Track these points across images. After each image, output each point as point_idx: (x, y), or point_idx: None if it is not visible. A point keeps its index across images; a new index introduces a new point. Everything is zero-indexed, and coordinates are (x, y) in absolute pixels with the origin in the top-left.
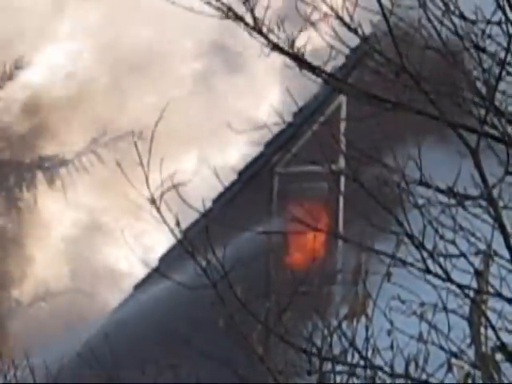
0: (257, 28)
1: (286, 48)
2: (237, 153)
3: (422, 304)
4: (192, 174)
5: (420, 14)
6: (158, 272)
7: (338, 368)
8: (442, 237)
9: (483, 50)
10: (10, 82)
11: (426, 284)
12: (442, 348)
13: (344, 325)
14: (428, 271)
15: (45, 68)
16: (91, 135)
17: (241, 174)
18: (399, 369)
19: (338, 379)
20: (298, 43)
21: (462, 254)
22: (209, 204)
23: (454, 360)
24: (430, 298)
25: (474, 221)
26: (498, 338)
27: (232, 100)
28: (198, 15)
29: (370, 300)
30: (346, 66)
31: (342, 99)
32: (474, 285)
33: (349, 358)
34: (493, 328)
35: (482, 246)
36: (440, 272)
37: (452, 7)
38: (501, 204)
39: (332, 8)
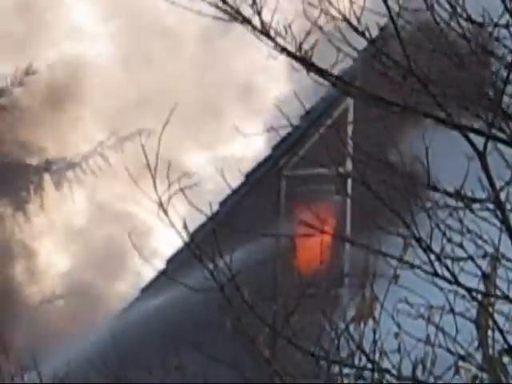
0: (264, 31)
1: (294, 51)
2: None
3: (430, 307)
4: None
5: (427, 17)
6: (165, 275)
7: (346, 371)
8: (449, 240)
9: (491, 53)
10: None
11: (434, 287)
12: (449, 351)
13: (351, 327)
14: (435, 274)
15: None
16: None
17: (248, 176)
18: (406, 372)
19: (346, 382)
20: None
21: (470, 257)
22: (216, 207)
23: (461, 363)
24: (438, 300)
25: (481, 224)
26: (506, 340)
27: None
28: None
29: (377, 303)
30: (353, 69)
31: (350, 102)
32: (482, 288)
33: (356, 361)
34: (500, 331)
35: (490, 249)
36: (447, 275)
37: (459, 10)
38: (508, 207)
39: (339, 11)
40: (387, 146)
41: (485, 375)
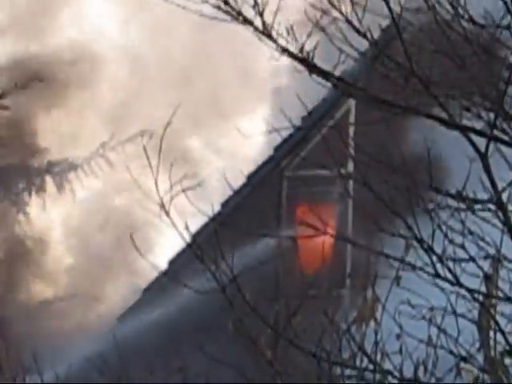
0: (266, 32)
1: (296, 52)
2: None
3: (431, 308)
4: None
5: (429, 18)
6: (167, 276)
7: (347, 372)
8: (451, 241)
9: (493, 55)
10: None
11: (435, 288)
12: (451, 352)
13: (353, 329)
14: (437, 275)
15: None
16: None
17: (250, 177)
18: (408, 373)
19: (347, 383)
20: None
21: (471, 258)
22: (218, 207)
23: (462, 364)
24: (439, 302)
25: (483, 225)
26: (507, 341)
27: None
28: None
29: (379, 304)
30: (355, 70)
31: (352, 103)
32: (483, 289)
33: (358, 362)
34: (502, 332)
35: (491, 251)
36: (449, 276)
37: (461, 11)
38: (510, 208)
39: (341, 12)
40: (389, 148)
41: (486, 376)
